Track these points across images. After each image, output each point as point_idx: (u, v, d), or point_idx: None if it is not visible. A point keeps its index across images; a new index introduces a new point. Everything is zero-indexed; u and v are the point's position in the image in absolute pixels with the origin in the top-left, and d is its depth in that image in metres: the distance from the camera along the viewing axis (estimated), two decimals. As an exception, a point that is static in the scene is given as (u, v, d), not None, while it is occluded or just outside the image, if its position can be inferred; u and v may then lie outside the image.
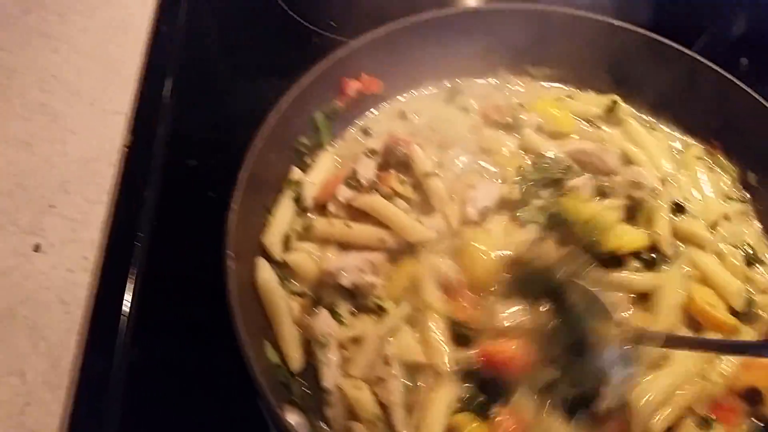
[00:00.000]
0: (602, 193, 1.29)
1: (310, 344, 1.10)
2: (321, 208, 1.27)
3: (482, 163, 1.34)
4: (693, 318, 1.15)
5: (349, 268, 1.14)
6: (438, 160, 1.33)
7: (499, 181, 1.31)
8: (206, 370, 1.15)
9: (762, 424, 1.08)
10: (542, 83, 1.52)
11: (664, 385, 1.06)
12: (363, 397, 1.05)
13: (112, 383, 1.12)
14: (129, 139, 1.43)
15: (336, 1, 1.73)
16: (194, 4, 1.67)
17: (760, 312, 1.17)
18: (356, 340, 1.10)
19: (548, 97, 1.48)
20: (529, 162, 1.34)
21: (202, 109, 1.48)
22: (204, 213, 1.18)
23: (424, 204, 1.27)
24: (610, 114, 1.44)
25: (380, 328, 1.10)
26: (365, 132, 1.41)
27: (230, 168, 1.16)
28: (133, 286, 1.22)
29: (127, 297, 1.21)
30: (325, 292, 1.16)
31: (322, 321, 1.10)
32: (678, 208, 1.28)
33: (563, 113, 1.41)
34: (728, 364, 1.10)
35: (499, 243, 1.18)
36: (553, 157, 1.33)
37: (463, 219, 1.23)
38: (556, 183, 1.29)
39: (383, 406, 1.05)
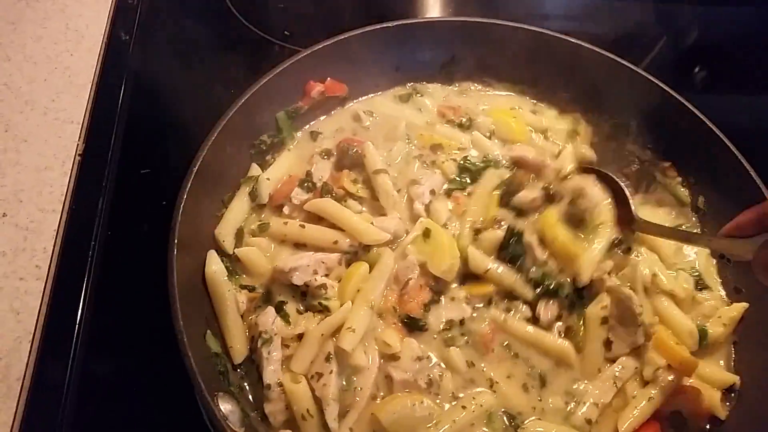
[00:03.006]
0: (549, 196, 1.32)
1: (254, 338, 1.13)
2: (277, 207, 1.31)
3: (433, 158, 1.40)
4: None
5: (302, 267, 1.17)
6: (389, 156, 1.39)
7: (438, 171, 1.37)
8: (161, 377, 1.15)
9: None
10: (499, 93, 1.56)
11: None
12: (299, 390, 1.07)
13: (65, 393, 1.12)
14: (82, 147, 1.44)
15: (289, 12, 1.77)
16: (149, 14, 1.68)
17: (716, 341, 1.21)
18: (300, 337, 1.13)
19: (506, 106, 1.53)
20: (475, 153, 1.40)
21: (156, 118, 1.49)
22: (157, 221, 1.19)
23: (376, 202, 1.31)
24: (572, 135, 1.48)
25: (323, 327, 1.12)
26: (322, 133, 1.44)
27: (184, 176, 1.18)
28: (86, 294, 1.23)
29: (81, 305, 1.21)
30: (276, 288, 1.19)
31: (267, 318, 1.13)
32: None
33: (518, 123, 1.46)
34: (657, 389, 1.14)
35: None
36: (495, 157, 1.39)
37: (413, 215, 1.29)
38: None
39: (318, 402, 1.08)
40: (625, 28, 1.89)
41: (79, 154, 1.43)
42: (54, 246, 1.29)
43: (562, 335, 1.19)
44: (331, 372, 1.09)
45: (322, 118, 1.47)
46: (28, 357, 1.16)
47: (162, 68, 1.59)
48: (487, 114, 1.49)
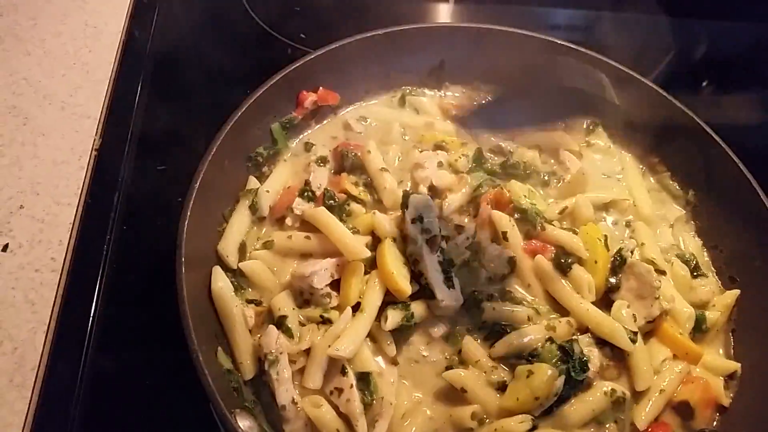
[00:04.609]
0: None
1: (261, 359, 1.12)
2: (278, 219, 1.31)
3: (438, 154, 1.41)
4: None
5: (320, 272, 1.16)
6: (386, 159, 1.40)
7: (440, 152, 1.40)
8: (171, 373, 1.16)
9: None
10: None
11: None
12: (324, 415, 1.06)
13: (78, 383, 1.14)
14: (99, 142, 1.46)
15: (305, 14, 1.79)
16: (167, 13, 1.70)
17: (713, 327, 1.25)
18: (307, 351, 1.12)
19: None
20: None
21: (172, 115, 1.51)
22: (171, 217, 1.21)
23: (379, 204, 1.34)
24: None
25: (328, 338, 1.11)
26: (315, 144, 1.45)
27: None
28: (100, 287, 1.25)
29: (95, 298, 1.23)
30: (278, 301, 1.18)
31: (270, 338, 1.11)
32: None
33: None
34: (667, 380, 1.17)
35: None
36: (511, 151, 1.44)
37: None
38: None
39: (344, 417, 1.07)
40: (635, 41, 1.90)
41: (95, 149, 1.45)
42: (69, 239, 1.31)
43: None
44: (351, 386, 1.07)
45: (316, 127, 1.49)
46: (43, 347, 1.18)
47: (178, 65, 1.61)
48: None
